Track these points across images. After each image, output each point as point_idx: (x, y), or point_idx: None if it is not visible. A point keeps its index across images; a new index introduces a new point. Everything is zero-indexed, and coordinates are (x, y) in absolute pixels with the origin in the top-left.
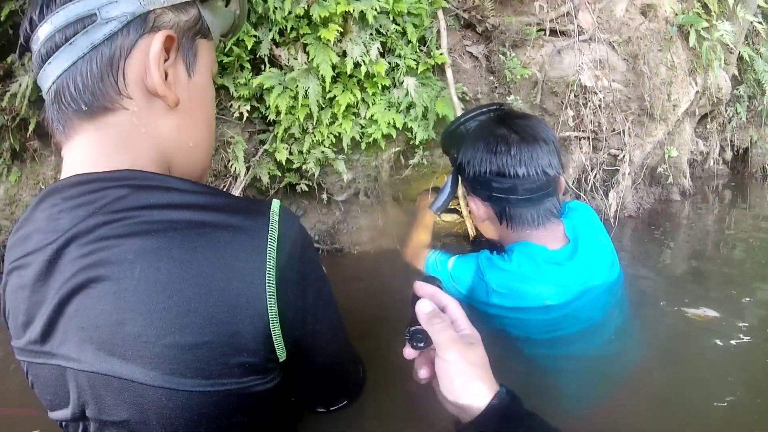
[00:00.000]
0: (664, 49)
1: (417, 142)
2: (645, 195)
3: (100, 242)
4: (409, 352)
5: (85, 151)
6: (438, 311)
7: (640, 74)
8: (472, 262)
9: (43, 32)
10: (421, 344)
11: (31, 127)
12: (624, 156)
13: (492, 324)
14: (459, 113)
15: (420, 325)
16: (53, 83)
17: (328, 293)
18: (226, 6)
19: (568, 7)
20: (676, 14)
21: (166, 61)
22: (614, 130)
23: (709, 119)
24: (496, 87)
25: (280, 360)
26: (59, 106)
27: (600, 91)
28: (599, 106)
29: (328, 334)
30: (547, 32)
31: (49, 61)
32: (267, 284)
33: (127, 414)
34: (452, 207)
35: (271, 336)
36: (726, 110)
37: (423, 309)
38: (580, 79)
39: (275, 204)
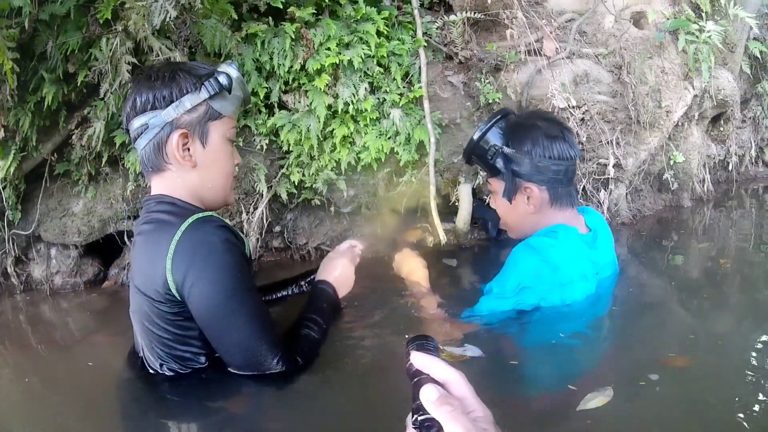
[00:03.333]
0: (654, 56)
1: (402, 164)
2: (650, 202)
3: (138, 227)
4: None
5: (154, 187)
6: (446, 396)
7: (625, 84)
8: (528, 258)
9: (131, 127)
10: (436, 428)
11: (104, 159)
12: (611, 165)
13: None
14: (434, 138)
15: (428, 413)
16: (140, 154)
17: (211, 277)
18: (230, 94)
19: (535, 36)
20: (667, 18)
21: (186, 143)
22: (601, 141)
23: (722, 121)
24: (473, 112)
25: (177, 297)
26: (143, 165)
27: (581, 107)
28: (582, 119)
29: (203, 295)
30: (525, 54)
31: (137, 142)
32: (167, 257)
33: (134, 304)
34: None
35: (167, 281)
36: (746, 110)
37: (429, 397)
38: (552, 103)
39: (189, 220)
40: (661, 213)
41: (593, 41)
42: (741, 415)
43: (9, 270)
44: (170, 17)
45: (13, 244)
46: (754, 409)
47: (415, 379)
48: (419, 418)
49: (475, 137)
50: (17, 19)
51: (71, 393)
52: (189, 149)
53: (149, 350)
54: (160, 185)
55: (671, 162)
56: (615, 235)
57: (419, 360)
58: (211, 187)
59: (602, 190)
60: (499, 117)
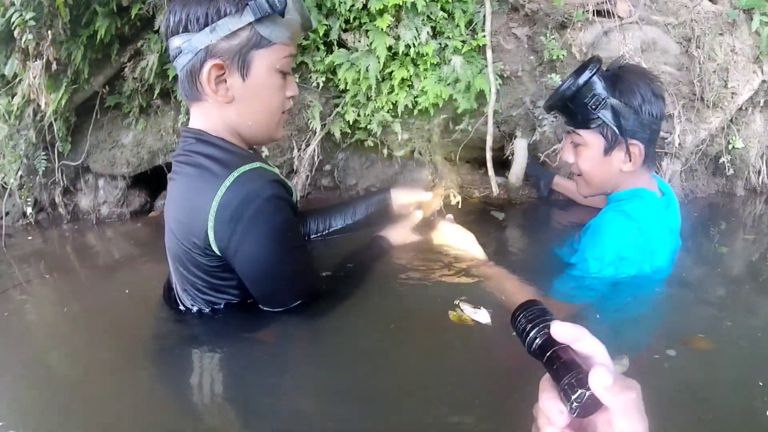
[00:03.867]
0: (725, 33)
1: (459, 112)
2: (703, 184)
3: (175, 164)
4: (563, 419)
5: (193, 116)
6: (623, 380)
7: (692, 58)
8: (626, 227)
9: (169, 45)
10: (591, 410)
11: (156, 91)
12: (676, 136)
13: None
14: (494, 89)
15: (588, 388)
16: (179, 77)
17: (258, 239)
18: (282, 17)
19: None
20: None
21: (221, 74)
22: (666, 120)
23: None
24: (536, 66)
25: (217, 253)
26: (181, 90)
27: None
28: None
29: (249, 256)
30: (593, 14)
31: (175, 63)
32: (209, 213)
33: (168, 242)
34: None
35: (208, 237)
36: None
37: (603, 383)
38: None
39: (234, 173)
40: (713, 197)
41: (664, 9)
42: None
43: (57, 200)
44: None
45: (62, 175)
46: None
47: (554, 352)
48: (579, 392)
49: (581, 81)
50: None
51: (106, 321)
52: (225, 81)
53: (182, 290)
54: (198, 117)
55: (730, 146)
56: None
57: (564, 330)
58: (252, 124)
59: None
60: (598, 65)
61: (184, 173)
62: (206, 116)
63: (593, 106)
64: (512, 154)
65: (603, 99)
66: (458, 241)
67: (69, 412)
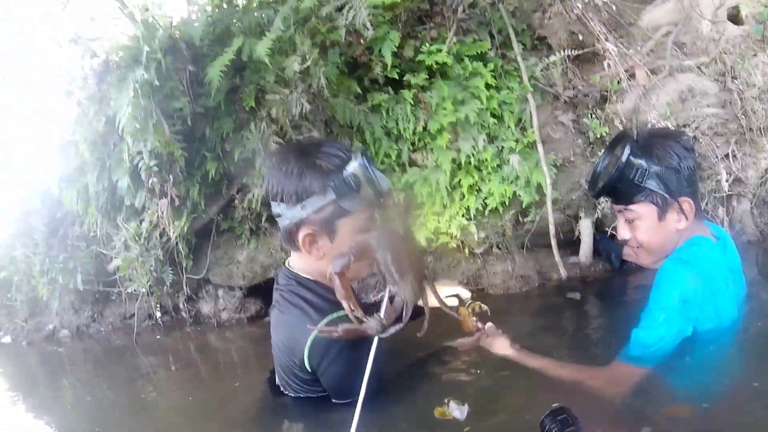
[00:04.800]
0: (757, 53)
1: (525, 205)
2: None
3: (279, 296)
4: None
5: (293, 257)
6: None
7: (731, 91)
8: (683, 272)
9: (271, 203)
10: None
11: (263, 217)
12: (723, 180)
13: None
14: (549, 180)
15: None
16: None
17: (339, 362)
18: (358, 193)
19: (628, 64)
20: (764, 7)
21: (312, 240)
22: (717, 156)
23: None
24: (585, 148)
25: (310, 371)
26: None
27: (689, 125)
28: (694, 137)
29: (330, 376)
30: (626, 82)
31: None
32: (306, 346)
33: (274, 347)
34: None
35: (304, 361)
36: None
37: None
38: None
39: (329, 317)
40: None
41: (693, 51)
42: None
43: (181, 306)
44: (306, 110)
45: (185, 286)
46: None
47: None
48: None
49: (623, 160)
50: (179, 113)
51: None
52: (317, 242)
53: (281, 380)
54: (297, 260)
55: None
56: (741, 255)
57: None
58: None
59: (719, 208)
60: (626, 139)
61: (287, 310)
62: (304, 262)
63: (639, 180)
64: (580, 235)
65: (646, 170)
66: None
67: None
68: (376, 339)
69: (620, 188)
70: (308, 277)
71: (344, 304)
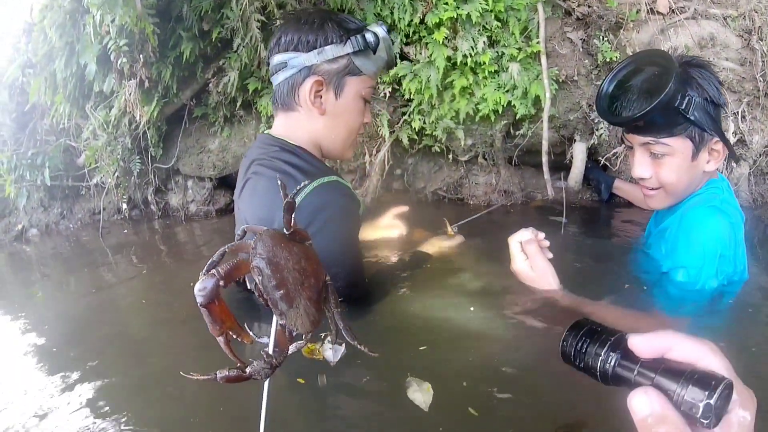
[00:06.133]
0: None
1: (518, 117)
2: None
3: (258, 165)
4: None
5: (278, 124)
6: (663, 415)
7: (754, 51)
8: (720, 223)
9: (271, 61)
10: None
11: (239, 103)
12: (734, 140)
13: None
14: (549, 94)
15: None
16: (275, 88)
17: (328, 234)
18: (374, 54)
19: None
20: None
21: (319, 90)
22: (725, 113)
23: None
24: (591, 70)
25: None
26: (275, 99)
27: None
28: None
29: (318, 248)
30: (645, 13)
31: (274, 77)
32: None
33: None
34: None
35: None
36: None
37: (641, 411)
38: None
39: (314, 183)
40: None
41: (722, 1)
42: None
43: (150, 198)
44: None
45: (154, 176)
46: None
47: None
48: (713, 397)
49: (672, 83)
50: None
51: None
52: (321, 96)
53: None
54: (284, 124)
55: None
56: None
57: (648, 342)
58: (333, 139)
59: (724, 168)
60: (670, 60)
61: (266, 175)
62: (293, 125)
63: (686, 109)
64: (572, 158)
65: (693, 98)
66: (536, 270)
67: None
68: (267, 381)
69: (661, 116)
70: (295, 143)
71: (220, 342)
